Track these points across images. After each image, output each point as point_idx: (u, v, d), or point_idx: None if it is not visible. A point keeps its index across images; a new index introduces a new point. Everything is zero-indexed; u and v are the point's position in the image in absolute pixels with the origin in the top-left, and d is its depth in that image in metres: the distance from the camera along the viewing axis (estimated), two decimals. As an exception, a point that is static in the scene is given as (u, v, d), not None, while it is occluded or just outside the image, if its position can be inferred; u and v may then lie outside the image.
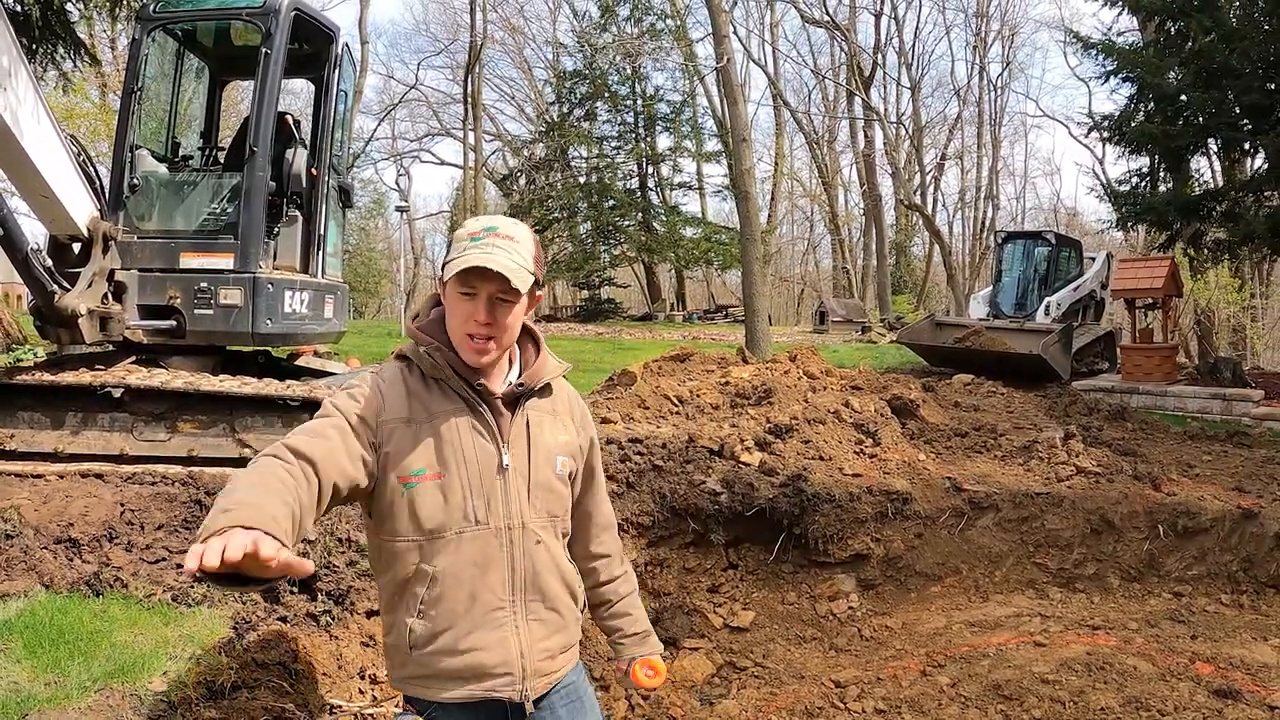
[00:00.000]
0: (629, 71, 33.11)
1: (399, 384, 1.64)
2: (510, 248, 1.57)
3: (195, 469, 4.25)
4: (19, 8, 7.21)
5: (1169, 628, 4.12)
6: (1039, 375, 11.05)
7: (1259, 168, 12.95)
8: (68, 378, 4.39)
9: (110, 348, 4.85)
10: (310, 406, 4.43)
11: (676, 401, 6.19)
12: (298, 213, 5.31)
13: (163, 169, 5.16)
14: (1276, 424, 9.02)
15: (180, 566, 3.52)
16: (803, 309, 45.33)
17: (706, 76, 31.65)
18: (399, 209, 31.37)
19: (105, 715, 2.51)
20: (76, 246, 4.71)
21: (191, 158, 5.69)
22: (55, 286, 4.39)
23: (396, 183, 47.04)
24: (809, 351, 7.90)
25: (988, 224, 39.19)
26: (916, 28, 57.71)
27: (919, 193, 37.31)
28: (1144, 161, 14.22)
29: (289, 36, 5.00)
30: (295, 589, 3.41)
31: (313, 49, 5.56)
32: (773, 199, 38.49)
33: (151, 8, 5.09)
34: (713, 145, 34.59)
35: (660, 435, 5.23)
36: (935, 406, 7.40)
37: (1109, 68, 13.24)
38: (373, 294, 45.86)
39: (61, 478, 4.16)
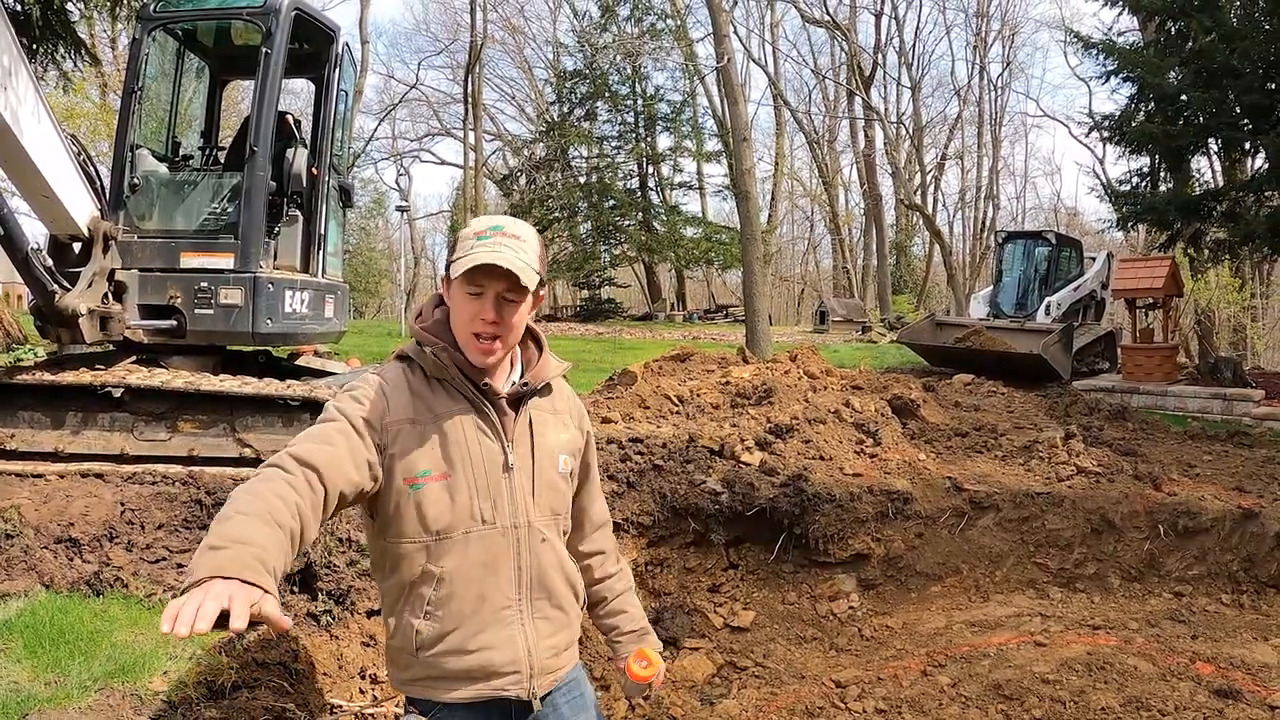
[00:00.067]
0: (629, 71, 33.12)
1: (402, 385, 1.63)
2: (517, 246, 1.57)
3: (195, 469, 4.25)
4: (19, 7, 7.22)
5: (1169, 627, 4.12)
6: (1039, 375, 11.04)
7: (1259, 168, 12.97)
8: (68, 377, 4.39)
9: (110, 347, 4.85)
10: (311, 406, 4.43)
11: (677, 401, 6.19)
12: (298, 212, 5.32)
13: (163, 169, 5.17)
14: (1277, 424, 9.02)
15: (181, 566, 3.53)
16: (803, 309, 45.34)
17: (707, 76, 31.74)
18: (399, 209, 31.41)
19: (105, 715, 2.50)
20: (77, 246, 4.71)
21: (192, 157, 5.69)
22: (55, 286, 4.39)
23: (397, 182, 47.02)
24: (809, 351, 7.90)
25: (988, 224, 39.23)
26: (917, 27, 57.84)
27: (919, 193, 37.31)
28: (1144, 161, 14.25)
29: (289, 36, 5.00)
30: (296, 589, 3.41)
31: (313, 49, 5.57)
32: (773, 199, 38.55)
33: (152, 7, 5.10)
34: (713, 145, 34.68)
35: (661, 435, 5.23)
36: (936, 406, 7.40)
37: (1109, 68, 13.26)
38: (373, 294, 45.91)
39: (62, 477, 4.16)
